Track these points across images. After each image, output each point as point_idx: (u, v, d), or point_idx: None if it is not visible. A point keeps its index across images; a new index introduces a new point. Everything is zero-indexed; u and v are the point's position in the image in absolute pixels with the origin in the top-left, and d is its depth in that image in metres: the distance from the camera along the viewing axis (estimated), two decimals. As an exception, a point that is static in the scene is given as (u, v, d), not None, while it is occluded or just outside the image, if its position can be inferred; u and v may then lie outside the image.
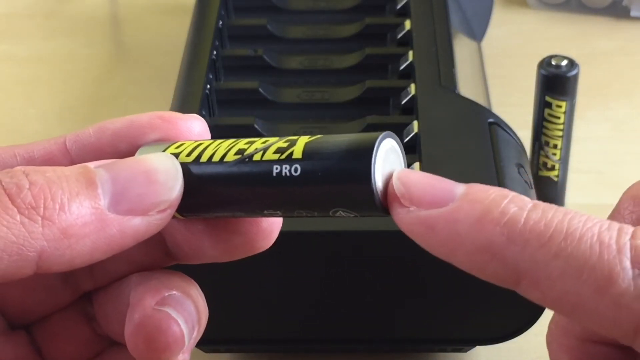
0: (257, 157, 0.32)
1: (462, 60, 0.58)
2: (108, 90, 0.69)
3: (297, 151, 0.32)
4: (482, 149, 0.47)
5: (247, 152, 0.32)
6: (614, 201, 0.61)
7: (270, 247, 0.44)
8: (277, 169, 0.32)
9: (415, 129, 0.48)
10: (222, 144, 0.33)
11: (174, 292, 0.32)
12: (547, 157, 0.55)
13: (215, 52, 0.55)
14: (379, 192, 0.30)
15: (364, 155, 0.30)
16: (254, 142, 0.33)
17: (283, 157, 0.32)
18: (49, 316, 0.33)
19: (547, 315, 0.45)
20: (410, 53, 0.54)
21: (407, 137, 0.49)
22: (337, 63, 0.56)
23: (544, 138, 0.55)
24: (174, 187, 0.31)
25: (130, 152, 0.31)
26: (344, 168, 0.31)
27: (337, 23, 0.60)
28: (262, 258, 0.44)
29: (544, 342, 0.49)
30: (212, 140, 0.33)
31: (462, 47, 0.63)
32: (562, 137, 0.54)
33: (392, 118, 0.52)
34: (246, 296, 0.45)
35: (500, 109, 0.55)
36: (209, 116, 0.52)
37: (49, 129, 0.65)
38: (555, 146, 0.55)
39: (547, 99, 0.54)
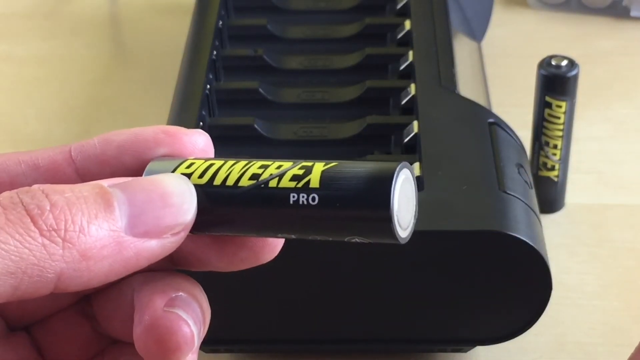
0: (273, 184, 0.32)
1: (462, 60, 0.58)
2: (108, 90, 0.69)
3: (314, 180, 0.32)
4: (482, 149, 0.47)
5: (262, 177, 0.32)
6: (614, 201, 0.61)
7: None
8: (294, 197, 0.32)
9: (415, 129, 0.48)
10: (235, 166, 0.33)
11: (181, 293, 0.32)
12: (547, 157, 0.55)
13: (215, 52, 0.55)
14: (397, 222, 0.31)
15: (384, 186, 0.31)
16: (267, 166, 0.33)
17: (300, 185, 0.32)
18: (49, 317, 0.33)
19: (547, 315, 0.45)
20: (410, 53, 0.54)
21: (407, 137, 0.49)
22: (337, 63, 0.56)
23: (544, 138, 0.55)
24: (189, 210, 0.31)
25: (134, 165, 0.32)
26: (364, 199, 0.31)
27: (337, 23, 0.60)
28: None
29: (544, 342, 0.50)
30: (222, 161, 0.33)
31: (462, 47, 0.63)
32: (562, 137, 0.54)
33: (392, 118, 0.51)
34: (246, 296, 0.45)
35: (500, 109, 0.55)
36: (209, 116, 0.52)
37: (48, 129, 0.65)
38: (555, 146, 0.55)
39: (547, 99, 0.53)
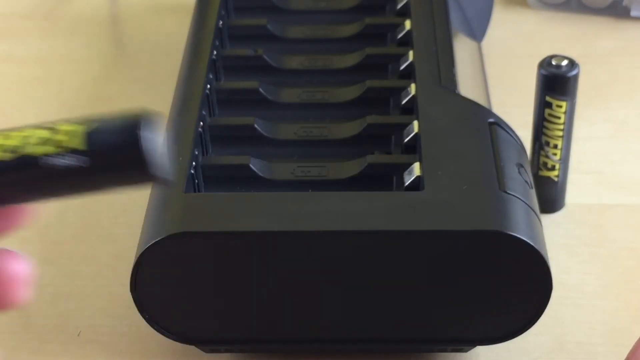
0: (29, 150, 0.33)
1: (462, 60, 0.58)
2: (108, 90, 0.69)
3: (66, 141, 0.33)
4: (482, 149, 0.47)
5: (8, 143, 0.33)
6: (614, 201, 0.61)
7: (270, 247, 0.44)
8: (42, 159, 0.33)
9: (415, 129, 0.48)
10: None
11: None
12: (547, 157, 0.55)
13: (215, 52, 0.55)
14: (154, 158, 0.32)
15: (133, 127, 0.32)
16: (8, 135, 0.33)
17: (52, 147, 0.33)
18: None
19: (547, 315, 0.45)
20: (410, 53, 0.54)
21: (407, 137, 0.49)
22: (337, 63, 0.56)
23: (544, 138, 0.55)
24: None
25: None
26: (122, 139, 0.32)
27: (337, 23, 0.60)
28: (263, 258, 0.44)
29: (544, 342, 0.50)
30: None
31: (462, 47, 0.63)
32: (562, 137, 0.54)
33: (392, 118, 0.52)
34: (246, 296, 0.45)
35: (500, 109, 0.55)
36: (209, 116, 0.52)
37: (49, 129, 0.65)
38: (555, 146, 0.55)
39: (548, 99, 0.54)
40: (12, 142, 0.33)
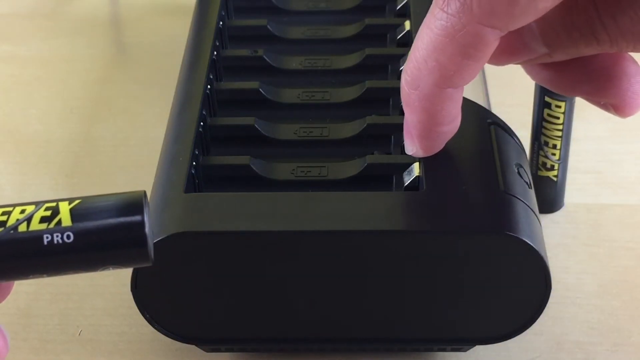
0: (22, 228, 0.33)
1: (461, 60, 0.58)
2: (109, 90, 0.69)
3: (65, 218, 0.33)
4: (481, 149, 0.47)
5: (10, 224, 0.33)
6: (613, 201, 0.61)
7: (270, 247, 0.44)
8: (47, 237, 0.32)
9: (415, 129, 0.48)
10: None
11: None
12: (546, 157, 0.55)
13: (215, 53, 0.55)
14: (150, 245, 0.32)
15: (136, 211, 0.32)
16: (9, 212, 0.33)
17: (52, 225, 0.33)
18: None
19: (546, 314, 0.46)
20: (410, 53, 0.54)
21: (407, 137, 0.49)
22: (337, 63, 0.56)
23: (543, 138, 0.55)
24: None
25: None
26: (119, 227, 0.32)
27: (337, 23, 0.60)
28: (263, 258, 0.44)
29: (543, 341, 0.50)
30: None
31: (461, 47, 0.63)
32: (561, 137, 0.55)
33: (392, 118, 0.52)
34: (246, 296, 0.45)
35: (500, 109, 0.55)
36: (209, 116, 0.52)
37: (49, 130, 0.65)
38: (554, 146, 0.55)
39: (547, 99, 0.54)
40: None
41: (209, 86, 0.52)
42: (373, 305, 0.45)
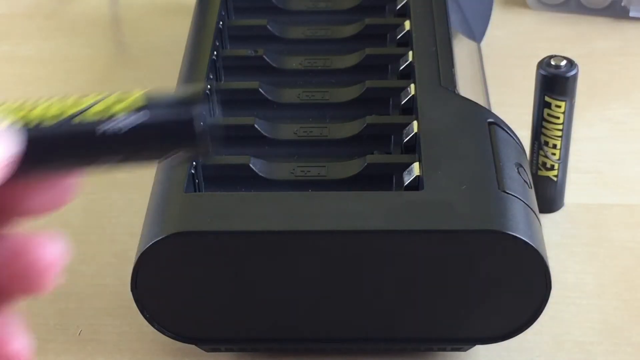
0: (78, 120, 0.34)
1: (462, 60, 0.58)
2: (109, 90, 0.68)
3: (121, 111, 0.35)
4: (481, 149, 0.47)
5: (68, 114, 0.34)
6: (612, 201, 0.61)
7: (270, 247, 0.44)
8: (100, 128, 0.34)
9: (415, 129, 0.48)
10: (41, 103, 0.34)
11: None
12: (546, 157, 0.55)
13: (215, 53, 0.55)
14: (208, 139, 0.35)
15: (189, 106, 0.35)
16: (65, 102, 0.35)
17: (108, 114, 0.35)
18: None
19: (546, 314, 0.46)
20: (410, 53, 0.54)
21: (407, 137, 0.49)
22: (337, 63, 0.56)
23: (543, 138, 0.55)
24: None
25: None
26: (171, 115, 0.35)
27: (337, 23, 0.60)
28: (262, 258, 0.44)
29: (543, 341, 0.50)
30: (29, 102, 0.34)
31: (462, 47, 0.64)
32: (561, 137, 0.55)
33: (392, 118, 0.52)
34: (246, 295, 0.45)
35: (500, 109, 0.55)
36: (209, 116, 0.52)
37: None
38: (554, 146, 0.55)
39: (547, 99, 0.54)
40: (59, 109, 0.35)
41: (208, 86, 0.52)
42: (373, 305, 0.45)
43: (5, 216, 0.36)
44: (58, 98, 0.35)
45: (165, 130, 0.36)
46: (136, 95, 0.35)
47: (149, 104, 0.35)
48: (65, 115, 0.34)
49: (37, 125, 0.34)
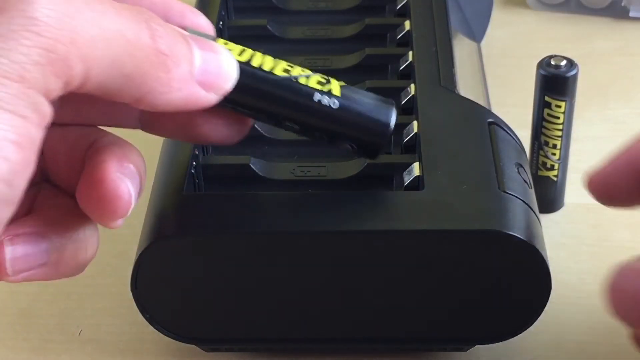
0: (302, 81, 0.40)
1: (462, 60, 0.58)
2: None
3: (335, 89, 0.41)
4: (481, 149, 0.47)
5: (293, 73, 0.40)
6: (613, 201, 0.60)
7: (270, 247, 0.44)
8: (318, 97, 0.40)
9: (415, 129, 0.48)
10: (266, 57, 0.40)
11: (131, 165, 0.37)
12: (546, 157, 0.55)
13: (215, 53, 0.55)
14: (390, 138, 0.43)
15: (389, 110, 0.43)
16: (292, 67, 0.41)
17: (325, 89, 0.41)
18: None
19: (546, 314, 0.46)
20: (410, 53, 0.54)
21: (406, 137, 0.49)
22: (337, 63, 0.56)
23: (543, 138, 0.55)
24: (232, 78, 0.38)
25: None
26: (375, 112, 0.42)
27: (337, 23, 0.60)
28: (262, 258, 0.44)
29: (543, 341, 0.50)
30: (251, 49, 0.40)
31: (462, 47, 0.64)
32: (561, 137, 0.55)
33: (392, 118, 0.52)
34: (246, 296, 0.45)
35: (500, 109, 0.55)
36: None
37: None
38: (554, 146, 0.55)
39: (547, 99, 0.54)
40: (281, 66, 0.40)
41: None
42: (373, 305, 0.45)
43: (182, 133, 0.41)
44: (271, 56, 0.41)
45: (363, 122, 0.41)
46: (337, 82, 0.41)
47: (351, 94, 0.41)
48: (291, 73, 0.40)
49: (261, 70, 0.40)
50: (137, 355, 0.50)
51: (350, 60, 0.56)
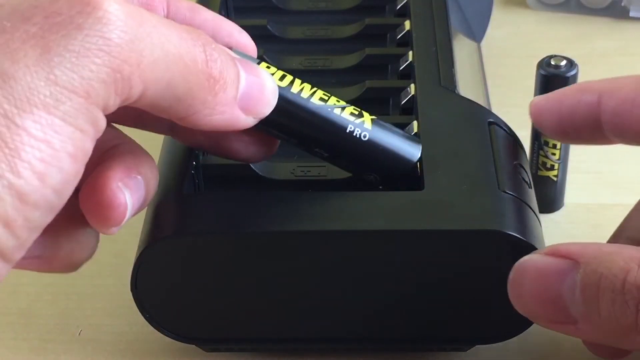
0: (337, 111, 0.42)
1: (462, 60, 0.58)
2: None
3: (367, 122, 0.43)
4: (481, 149, 0.47)
5: (329, 103, 0.42)
6: (613, 201, 0.61)
7: (270, 247, 0.44)
8: (351, 127, 0.42)
9: (415, 129, 0.48)
10: (305, 84, 0.42)
11: (139, 177, 0.38)
12: (546, 157, 0.55)
13: (215, 53, 0.55)
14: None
15: (417, 146, 0.45)
16: (328, 96, 0.42)
17: (357, 121, 0.42)
18: None
19: (547, 314, 0.46)
20: (410, 53, 0.54)
21: (406, 137, 0.49)
22: (337, 63, 0.56)
23: (543, 138, 0.55)
24: (272, 104, 0.39)
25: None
26: (404, 149, 0.44)
27: (337, 23, 0.60)
28: (262, 258, 0.44)
29: (543, 341, 0.50)
30: (291, 75, 0.42)
31: (462, 47, 0.64)
32: (561, 137, 0.55)
33: (392, 118, 0.52)
34: (246, 296, 0.45)
35: (500, 109, 0.55)
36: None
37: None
38: (554, 146, 0.55)
39: (547, 99, 0.54)
40: (318, 95, 0.42)
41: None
42: (373, 305, 0.45)
43: (211, 145, 0.43)
44: (309, 84, 0.42)
45: (389, 156, 0.43)
46: (368, 115, 0.43)
47: (381, 128, 0.43)
48: (327, 103, 0.42)
49: (300, 97, 0.41)
50: (137, 355, 0.50)
51: (350, 60, 0.56)
